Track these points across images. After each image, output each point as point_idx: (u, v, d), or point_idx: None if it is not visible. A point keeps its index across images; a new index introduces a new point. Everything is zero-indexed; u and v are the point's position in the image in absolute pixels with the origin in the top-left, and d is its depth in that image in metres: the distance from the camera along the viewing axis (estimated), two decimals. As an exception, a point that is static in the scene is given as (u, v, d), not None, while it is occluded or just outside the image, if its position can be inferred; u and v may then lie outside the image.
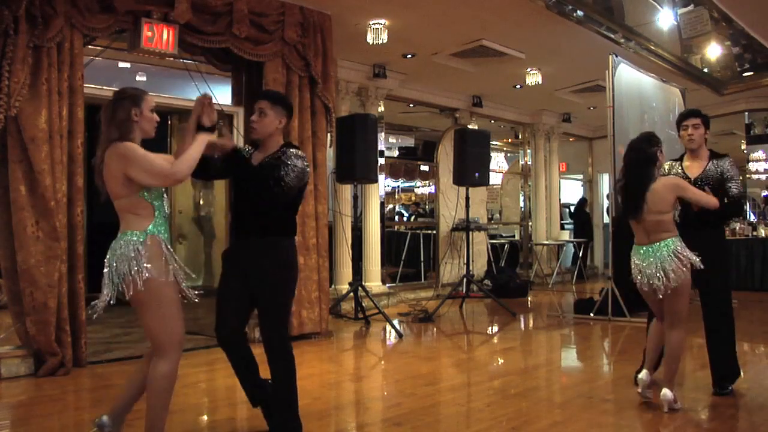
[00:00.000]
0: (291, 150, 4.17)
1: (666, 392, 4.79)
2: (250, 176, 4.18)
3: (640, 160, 4.96)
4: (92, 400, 5.21)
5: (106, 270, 3.63)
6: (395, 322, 8.86)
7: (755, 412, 4.88)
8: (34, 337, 5.84)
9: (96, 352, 6.56)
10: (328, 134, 8.06)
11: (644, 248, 4.91)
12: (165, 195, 3.86)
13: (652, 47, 10.06)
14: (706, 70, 12.02)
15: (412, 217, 16.13)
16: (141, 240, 3.62)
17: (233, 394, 5.65)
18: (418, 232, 13.34)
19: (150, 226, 3.67)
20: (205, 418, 4.77)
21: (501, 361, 7.10)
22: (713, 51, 11.53)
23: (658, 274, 4.78)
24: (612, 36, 9.14)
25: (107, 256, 3.67)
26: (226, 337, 4.32)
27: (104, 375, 6.05)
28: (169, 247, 3.73)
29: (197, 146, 3.78)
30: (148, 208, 3.69)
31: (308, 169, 4.20)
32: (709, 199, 4.93)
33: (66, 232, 6.03)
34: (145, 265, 3.58)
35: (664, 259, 4.79)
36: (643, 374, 5.10)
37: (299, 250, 7.54)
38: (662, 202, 4.85)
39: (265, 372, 4.33)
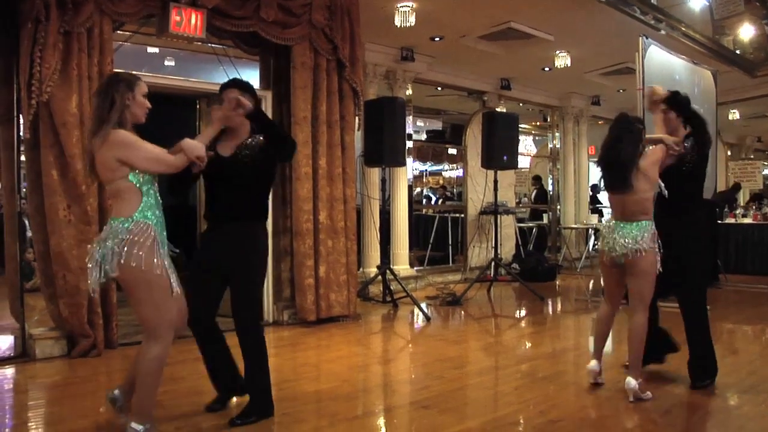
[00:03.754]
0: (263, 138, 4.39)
1: (630, 381, 4.76)
2: (227, 166, 4.30)
3: (628, 136, 4.89)
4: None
5: (93, 254, 3.73)
6: (423, 305, 8.88)
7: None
8: (66, 320, 5.93)
9: (127, 334, 6.64)
10: (356, 118, 8.07)
11: (623, 224, 4.91)
12: (156, 186, 3.89)
13: (683, 28, 9.93)
14: (738, 51, 11.84)
15: (440, 201, 16.11)
16: (126, 227, 3.69)
17: (262, 376, 5.71)
18: (446, 215, 13.33)
19: (136, 213, 3.73)
20: (233, 399, 4.80)
21: (528, 345, 7.09)
22: (746, 32, 11.35)
23: (631, 250, 4.80)
24: (642, 17, 9.02)
25: (96, 241, 3.78)
26: (199, 321, 4.39)
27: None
28: (157, 233, 3.77)
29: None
30: (136, 194, 3.75)
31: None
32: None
33: (97, 216, 6.10)
34: (131, 252, 3.64)
35: (639, 238, 4.80)
36: (593, 364, 5.13)
37: (328, 233, 7.60)
38: (646, 181, 4.85)
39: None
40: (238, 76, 7.21)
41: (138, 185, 3.75)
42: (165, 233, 3.89)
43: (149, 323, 3.79)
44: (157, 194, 3.88)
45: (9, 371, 5.68)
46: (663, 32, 9.45)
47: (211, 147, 4.26)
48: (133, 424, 3.74)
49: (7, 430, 4.31)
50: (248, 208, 4.38)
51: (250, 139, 4.36)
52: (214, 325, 4.48)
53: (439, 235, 13.05)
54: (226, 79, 6.95)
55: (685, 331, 5.22)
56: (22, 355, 6.02)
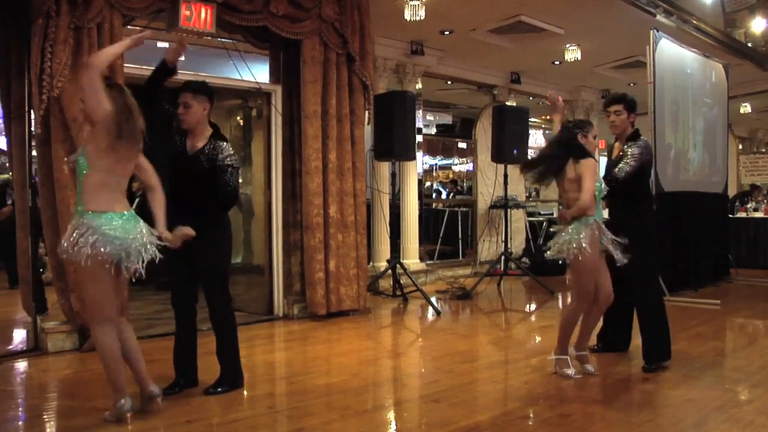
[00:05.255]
0: (223, 145, 4.68)
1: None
2: (187, 165, 4.65)
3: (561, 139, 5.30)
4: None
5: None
6: (433, 299, 8.88)
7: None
8: (78, 313, 5.95)
9: (138, 329, 6.62)
10: (366, 112, 8.06)
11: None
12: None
13: (695, 21, 9.88)
14: (750, 44, 11.77)
15: (450, 195, 16.09)
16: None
17: (272, 369, 5.74)
18: (456, 209, 13.32)
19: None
20: (244, 393, 4.83)
21: (539, 339, 7.08)
22: (758, 25, 11.29)
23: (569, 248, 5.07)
24: (653, 10, 8.99)
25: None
26: (183, 311, 4.84)
27: (146, 351, 6.09)
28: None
29: (118, 45, 4.32)
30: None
31: (238, 161, 4.77)
32: (581, 203, 5.06)
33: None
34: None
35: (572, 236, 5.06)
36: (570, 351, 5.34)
37: (338, 228, 7.61)
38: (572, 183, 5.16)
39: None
40: (248, 71, 7.28)
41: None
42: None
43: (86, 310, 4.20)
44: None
45: (21, 365, 5.72)
46: (674, 25, 9.41)
47: (181, 143, 4.71)
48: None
49: (19, 423, 4.35)
50: (208, 200, 4.64)
51: (207, 146, 4.68)
52: (191, 313, 4.84)
53: (449, 229, 13.03)
54: (235, 74, 7.03)
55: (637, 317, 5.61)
56: (34, 348, 6.06)
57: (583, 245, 4.96)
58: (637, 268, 5.30)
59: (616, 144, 5.76)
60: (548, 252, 5.23)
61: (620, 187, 5.43)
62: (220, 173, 4.60)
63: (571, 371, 5.18)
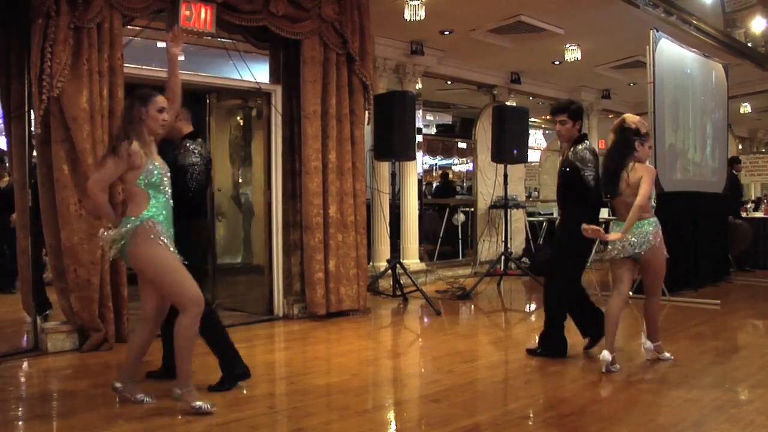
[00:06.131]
0: (183, 143, 4.88)
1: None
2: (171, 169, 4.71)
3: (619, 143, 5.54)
4: (135, 375, 5.30)
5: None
6: (433, 299, 8.86)
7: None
8: (78, 313, 5.96)
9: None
10: (366, 112, 8.05)
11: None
12: (165, 188, 4.34)
13: (694, 21, 9.88)
14: (750, 44, 11.78)
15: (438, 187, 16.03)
16: (135, 225, 4.16)
17: (272, 369, 5.74)
18: (456, 209, 13.29)
19: (145, 212, 4.19)
20: (244, 392, 4.83)
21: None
22: (758, 24, 11.30)
23: (641, 248, 5.32)
24: (653, 10, 8.98)
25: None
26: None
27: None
28: (162, 228, 4.24)
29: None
30: (144, 197, 4.22)
31: (198, 159, 4.91)
32: (639, 201, 5.28)
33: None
34: (138, 243, 4.16)
35: (648, 234, 5.33)
36: (605, 354, 5.30)
37: (338, 228, 7.61)
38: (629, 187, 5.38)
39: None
40: (248, 71, 7.28)
41: (146, 190, 4.22)
42: (172, 229, 4.37)
43: (174, 298, 4.34)
44: (164, 197, 4.32)
45: (21, 365, 5.72)
46: (673, 25, 9.41)
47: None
48: (175, 389, 4.30)
49: (19, 422, 4.34)
50: (182, 206, 4.69)
51: (178, 147, 4.89)
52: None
53: (448, 229, 13.00)
54: (235, 74, 7.07)
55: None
56: (34, 348, 6.05)
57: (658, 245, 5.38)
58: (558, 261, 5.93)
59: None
60: (617, 252, 5.37)
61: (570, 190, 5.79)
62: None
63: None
